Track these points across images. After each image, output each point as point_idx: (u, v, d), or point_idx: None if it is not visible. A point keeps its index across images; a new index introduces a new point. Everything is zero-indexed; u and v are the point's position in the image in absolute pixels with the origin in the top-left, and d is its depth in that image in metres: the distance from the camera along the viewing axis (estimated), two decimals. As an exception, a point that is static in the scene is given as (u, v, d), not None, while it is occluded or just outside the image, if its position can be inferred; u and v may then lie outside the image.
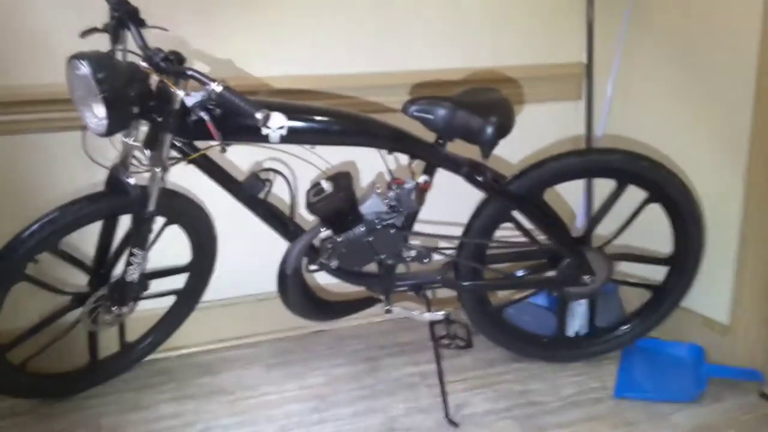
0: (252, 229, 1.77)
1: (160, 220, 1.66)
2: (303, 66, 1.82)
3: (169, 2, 1.65)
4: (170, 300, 1.84)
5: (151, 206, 1.51)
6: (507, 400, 1.69)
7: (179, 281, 1.82)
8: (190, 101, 1.34)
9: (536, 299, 2.02)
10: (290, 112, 1.47)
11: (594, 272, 1.73)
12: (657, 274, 1.86)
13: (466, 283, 1.73)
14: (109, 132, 1.35)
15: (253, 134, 1.46)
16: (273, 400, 1.72)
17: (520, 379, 1.79)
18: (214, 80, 1.30)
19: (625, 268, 1.98)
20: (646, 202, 1.74)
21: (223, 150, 1.40)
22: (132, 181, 1.50)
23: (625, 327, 1.87)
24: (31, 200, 1.59)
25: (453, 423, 1.60)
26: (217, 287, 1.89)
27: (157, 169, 1.46)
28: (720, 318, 1.80)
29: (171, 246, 1.74)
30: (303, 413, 1.65)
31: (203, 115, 1.35)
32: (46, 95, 1.61)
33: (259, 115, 1.28)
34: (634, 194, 1.74)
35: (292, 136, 1.48)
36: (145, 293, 1.72)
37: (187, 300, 1.86)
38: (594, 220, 1.78)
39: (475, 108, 1.55)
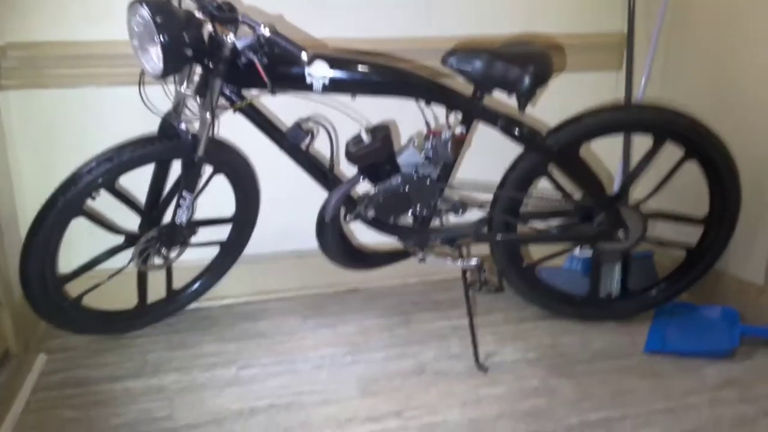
0: (293, 190, 1.89)
1: (207, 170, 1.77)
2: (350, 28, 1.89)
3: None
4: (215, 251, 1.95)
5: (200, 152, 1.60)
6: (536, 351, 1.72)
7: (223, 233, 1.92)
8: (241, 44, 1.43)
9: (569, 264, 2.04)
10: (333, 62, 1.55)
11: (628, 229, 1.75)
12: (691, 237, 1.86)
13: (499, 237, 1.77)
14: (165, 73, 1.45)
15: (298, 83, 1.54)
16: (308, 344, 1.79)
17: (551, 333, 1.81)
18: (262, 24, 1.39)
19: (660, 232, 1.99)
20: (684, 159, 1.75)
21: (273, 92, 1.48)
22: (183, 126, 1.60)
23: (658, 288, 1.87)
24: (85, 153, 1.70)
25: (482, 368, 1.64)
26: (258, 243, 1.97)
27: (207, 115, 1.55)
28: (755, 279, 1.80)
29: (217, 198, 1.85)
30: (336, 356, 1.72)
31: (253, 56, 1.44)
32: (102, 50, 1.74)
33: (304, 56, 1.36)
34: (672, 156, 1.76)
35: (334, 85, 1.55)
36: (192, 240, 1.83)
37: (231, 251, 1.95)
38: (630, 177, 1.79)
39: (513, 58, 1.59)
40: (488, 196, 1.77)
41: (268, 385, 1.58)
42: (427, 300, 2.02)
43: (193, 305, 1.96)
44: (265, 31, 1.38)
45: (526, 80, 1.56)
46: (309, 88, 1.55)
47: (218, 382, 1.60)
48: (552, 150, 1.69)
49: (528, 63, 1.57)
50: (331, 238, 1.72)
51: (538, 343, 1.77)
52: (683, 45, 1.97)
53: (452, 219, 1.81)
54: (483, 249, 1.85)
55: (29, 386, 1.56)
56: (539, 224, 1.84)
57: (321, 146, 1.71)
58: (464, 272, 1.74)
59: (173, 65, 1.45)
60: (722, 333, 1.74)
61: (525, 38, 2.00)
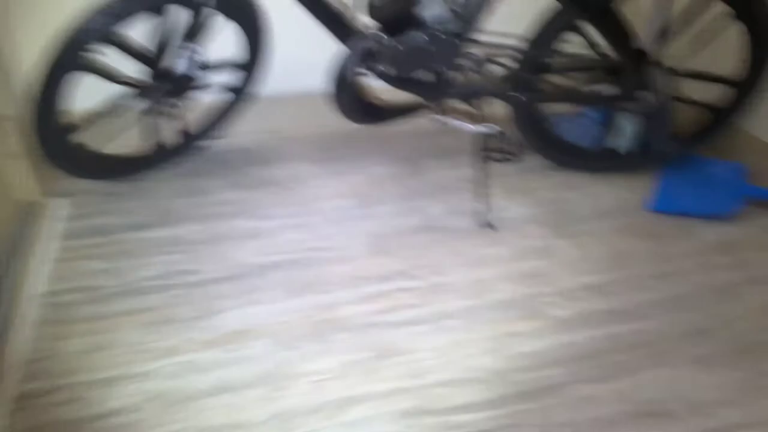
0: (305, 25, 1.78)
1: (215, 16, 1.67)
2: None
3: None
4: (226, 95, 1.92)
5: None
6: (542, 207, 1.78)
7: (233, 77, 1.88)
8: None
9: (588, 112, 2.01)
10: None
11: (656, 90, 1.69)
12: (716, 96, 1.80)
13: (522, 96, 1.72)
14: None
15: None
16: (321, 194, 1.84)
17: (559, 187, 1.86)
18: None
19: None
20: (731, 20, 1.63)
21: None
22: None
23: (674, 144, 1.86)
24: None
25: (491, 226, 1.71)
26: (268, 81, 1.93)
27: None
28: (770, 139, 1.79)
29: (225, 43, 1.77)
30: (348, 208, 1.78)
31: None
32: None
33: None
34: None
35: None
36: (202, 86, 1.79)
37: (242, 95, 1.93)
38: (665, 34, 1.68)
39: None
40: (513, 52, 1.69)
41: (286, 238, 1.67)
42: (438, 146, 2.04)
43: (209, 146, 2.00)
44: None
45: None
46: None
47: (239, 233, 1.69)
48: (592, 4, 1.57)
49: None
50: (349, 95, 1.69)
51: (545, 198, 1.82)
52: None
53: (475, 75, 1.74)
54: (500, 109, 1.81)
55: (56, 234, 1.66)
56: (563, 81, 1.77)
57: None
58: (484, 136, 1.72)
59: None
60: (727, 193, 1.77)
61: None
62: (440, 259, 1.60)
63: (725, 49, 1.72)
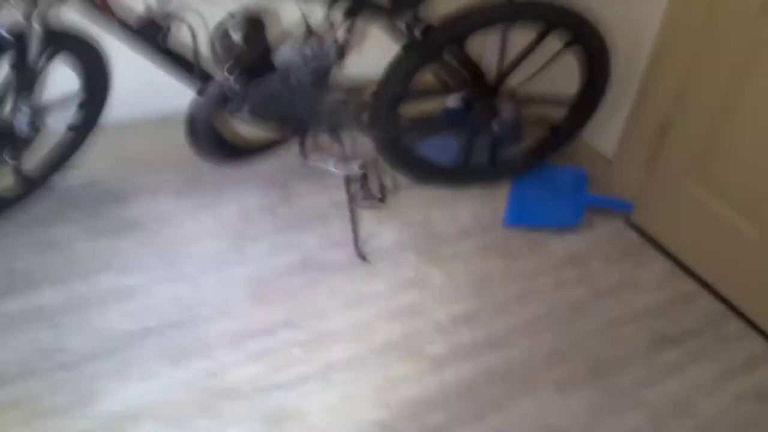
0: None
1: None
2: None
3: None
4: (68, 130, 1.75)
5: (33, 53, 1.34)
6: (410, 230, 1.86)
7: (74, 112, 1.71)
8: None
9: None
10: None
11: (503, 118, 1.80)
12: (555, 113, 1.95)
13: (380, 128, 1.74)
14: None
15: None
16: (189, 235, 1.78)
17: (423, 206, 1.94)
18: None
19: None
20: (565, 47, 1.75)
21: None
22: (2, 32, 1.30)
23: (522, 157, 2.01)
24: None
25: (365, 259, 1.76)
26: (117, 107, 1.78)
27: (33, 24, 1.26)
28: (606, 152, 1.99)
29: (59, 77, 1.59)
30: (221, 252, 1.74)
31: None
32: None
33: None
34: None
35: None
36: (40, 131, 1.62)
37: (86, 126, 1.76)
38: (510, 66, 1.79)
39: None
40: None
41: (155, 296, 1.60)
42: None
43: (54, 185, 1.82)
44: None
45: None
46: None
47: (101, 294, 1.59)
48: (442, 46, 1.61)
49: None
50: (204, 141, 1.61)
51: (413, 220, 1.90)
52: None
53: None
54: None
55: None
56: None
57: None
58: (346, 178, 1.73)
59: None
60: (571, 203, 1.96)
61: None
62: (321, 301, 1.63)
63: (560, 72, 1.86)
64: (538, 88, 1.87)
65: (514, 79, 1.83)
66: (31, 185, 1.75)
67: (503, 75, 1.80)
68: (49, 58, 1.48)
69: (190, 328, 1.54)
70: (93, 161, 1.87)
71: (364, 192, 1.75)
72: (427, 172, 1.98)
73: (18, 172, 1.68)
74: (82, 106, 1.70)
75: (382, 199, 1.79)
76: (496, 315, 1.64)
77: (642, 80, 1.81)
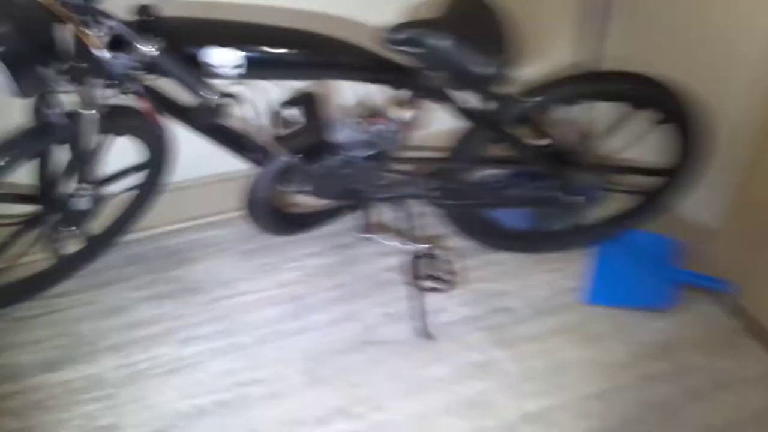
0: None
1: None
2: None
3: None
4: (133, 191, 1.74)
5: (88, 143, 1.31)
6: (480, 305, 1.72)
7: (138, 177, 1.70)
8: (117, 66, 1.06)
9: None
10: (247, 42, 1.19)
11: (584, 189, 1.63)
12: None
13: (449, 200, 1.62)
14: (25, 93, 1.09)
15: (201, 69, 1.20)
16: (250, 301, 1.73)
17: (493, 276, 1.79)
18: (148, 39, 1.01)
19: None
20: (660, 123, 1.56)
21: None
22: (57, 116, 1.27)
23: (605, 224, 1.83)
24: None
25: (429, 335, 1.64)
26: (181, 167, 1.75)
27: (88, 111, 1.23)
28: (708, 223, 1.76)
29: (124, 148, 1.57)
30: (281, 321, 1.67)
31: (134, 87, 1.09)
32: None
33: (206, 94, 1.03)
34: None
35: (253, 73, 1.22)
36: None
37: (149, 190, 1.75)
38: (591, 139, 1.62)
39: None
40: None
41: (213, 370, 1.56)
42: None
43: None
44: (152, 51, 1.02)
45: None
46: (219, 76, 1.22)
47: (160, 365, 1.56)
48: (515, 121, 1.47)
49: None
50: (264, 216, 1.55)
51: (482, 292, 1.75)
52: None
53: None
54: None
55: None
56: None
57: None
58: (415, 257, 1.62)
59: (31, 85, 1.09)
60: (663, 278, 1.75)
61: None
62: (379, 386, 1.53)
63: (651, 141, 1.66)
64: (628, 154, 1.68)
65: (601, 148, 1.66)
66: (96, 247, 1.75)
67: (582, 148, 1.61)
68: (107, 136, 1.46)
69: (242, 408, 1.48)
70: (159, 221, 1.86)
71: (431, 272, 1.63)
72: (500, 238, 1.83)
73: (83, 236, 1.69)
74: (145, 168, 1.68)
75: (449, 283, 1.65)
76: (574, 417, 1.47)
77: (752, 153, 1.58)
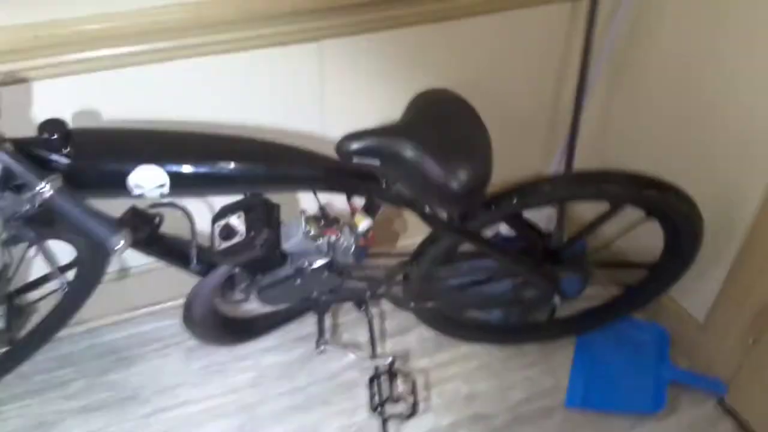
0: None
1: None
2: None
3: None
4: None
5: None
6: (453, 412, 1.55)
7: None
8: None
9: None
10: (170, 155, 1.02)
11: (560, 291, 1.48)
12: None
13: (416, 302, 1.46)
14: None
15: (118, 190, 1.03)
16: (195, 412, 1.54)
17: (467, 378, 1.63)
18: (41, 178, 0.84)
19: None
20: (643, 219, 1.41)
21: None
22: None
23: (588, 315, 1.68)
24: None
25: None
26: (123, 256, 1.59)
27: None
28: (697, 314, 1.62)
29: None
30: (227, 435, 1.50)
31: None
32: None
33: (113, 240, 0.86)
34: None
35: (179, 190, 1.05)
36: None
37: (82, 287, 1.55)
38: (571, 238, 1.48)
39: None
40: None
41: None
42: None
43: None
44: (46, 191, 0.84)
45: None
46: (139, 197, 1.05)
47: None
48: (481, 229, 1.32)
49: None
50: (205, 328, 1.37)
51: (453, 396, 1.59)
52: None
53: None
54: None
55: None
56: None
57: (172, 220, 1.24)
58: (373, 376, 1.45)
59: None
60: (650, 377, 1.61)
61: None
62: None
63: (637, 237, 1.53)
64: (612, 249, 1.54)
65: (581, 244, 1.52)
66: (22, 350, 1.55)
67: (561, 248, 1.47)
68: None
69: None
70: (95, 312, 1.68)
71: (392, 394, 1.46)
72: (473, 330, 1.68)
73: (11, 340, 1.50)
74: (75, 266, 1.49)
75: (412, 407, 1.47)
76: None
77: (741, 249, 1.45)
